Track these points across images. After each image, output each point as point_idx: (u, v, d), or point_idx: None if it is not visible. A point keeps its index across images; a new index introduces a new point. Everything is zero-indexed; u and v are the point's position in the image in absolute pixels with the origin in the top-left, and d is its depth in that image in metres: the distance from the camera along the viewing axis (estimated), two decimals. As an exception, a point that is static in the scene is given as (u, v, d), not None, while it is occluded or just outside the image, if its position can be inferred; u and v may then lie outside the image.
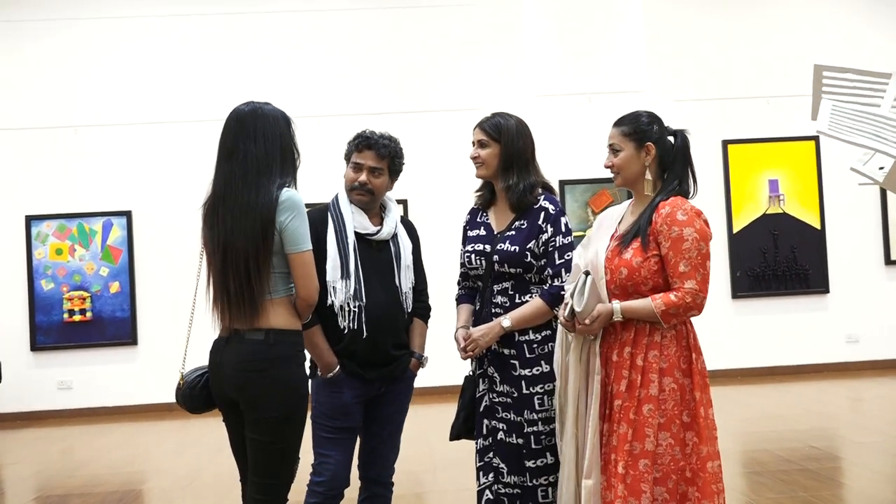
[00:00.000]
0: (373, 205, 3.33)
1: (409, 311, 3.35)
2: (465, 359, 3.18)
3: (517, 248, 3.10)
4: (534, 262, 3.11)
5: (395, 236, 3.34)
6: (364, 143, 3.28)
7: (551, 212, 3.14)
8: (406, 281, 3.32)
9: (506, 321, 3.07)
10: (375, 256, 3.27)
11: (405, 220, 3.48)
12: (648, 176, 2.86)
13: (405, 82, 8.29)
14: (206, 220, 2.84)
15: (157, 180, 8.13)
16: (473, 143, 3.26)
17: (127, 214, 8.04)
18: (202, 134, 7.76)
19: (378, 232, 3.28)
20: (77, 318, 7.93)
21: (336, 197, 3.31)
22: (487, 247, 3.18)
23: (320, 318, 3.16)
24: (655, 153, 2.86)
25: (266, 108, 2.86)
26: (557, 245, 3.10)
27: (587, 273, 2.79)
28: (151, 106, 8.18)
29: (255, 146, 2.78)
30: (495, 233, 3.21)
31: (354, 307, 3.17)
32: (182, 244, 7.85)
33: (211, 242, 2.80)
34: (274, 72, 8.18)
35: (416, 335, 3.38)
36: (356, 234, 3.24)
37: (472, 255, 3.21)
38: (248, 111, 2.84)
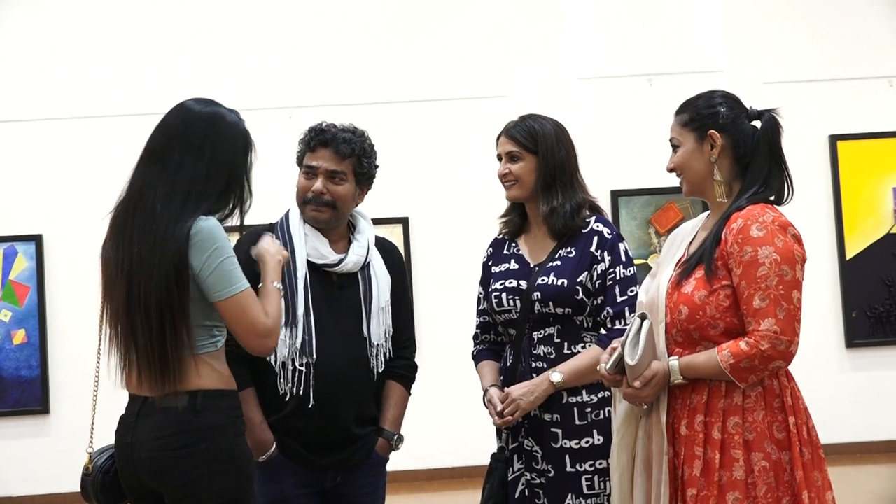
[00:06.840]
0: (336, 223, 3.30)
1: (381, 370, 3.31)
2: (501, 426, 3.22)
3: (565, 281, 3.19)
4: (586, 301, 3.19)
5: (366, 267, 3.32)
6: (318, 138, 3.26)
7: (606, 236, 3.23)
8: (378, 329, 3.29)
9: (556, 375, 3.14)
10: (335, 296, 3.26)
11: (384, 244, 3.45)
12: (717, 176, 2.85)
13: (408, 62, 8.22)
14: (112, 231, 2.82)
15: (77, 194, 8.07)
16: (500, 156, 3.33)
17: (36, 239, 8.02)
18: (139, 132, 7.50)
19: (341, 262, 3.25)
20: (-31, 378, 7.87)
21: (286, 214, 3.30)
22: (523, 283, 3.25)
23: (254, 378, 3.16)
24: (724, 144, 2.85)
25: (229, 117, 2.86)
26: (618, 278, 3.20)
27: (643, 316, 2.77)
28: (71, 94, 8.12)
29: (196, 161, 2.76)
30: (532, 265, 3.28)
31: (300, 365, 3.16)
32: (109, 279, 7.80)
33: (114, 264, 2.77)
34: (233, 48, 8.08)
35: (390, 405, 3.34)
36: (310, 264, 3.21)
37: (503, 295, 3.27)
38: (203, 112, 2.84)
